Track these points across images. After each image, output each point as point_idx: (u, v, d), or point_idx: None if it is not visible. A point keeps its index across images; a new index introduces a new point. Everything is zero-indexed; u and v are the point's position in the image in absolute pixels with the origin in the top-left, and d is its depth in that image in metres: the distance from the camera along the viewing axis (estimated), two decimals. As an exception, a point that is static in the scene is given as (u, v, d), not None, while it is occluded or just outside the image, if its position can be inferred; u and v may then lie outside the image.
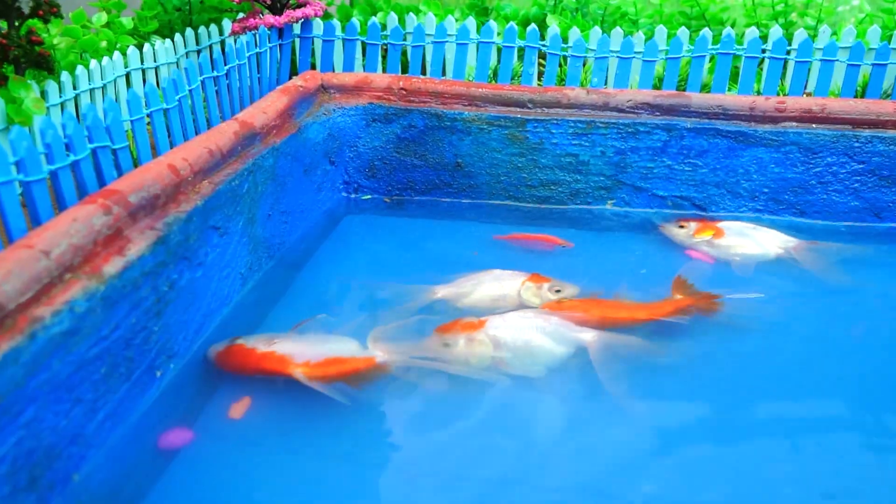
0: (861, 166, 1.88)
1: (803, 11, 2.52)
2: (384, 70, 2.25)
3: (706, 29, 2.17)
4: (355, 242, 1.93)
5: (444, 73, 2.26)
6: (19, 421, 0.94)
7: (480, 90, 2.00)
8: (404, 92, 2.02)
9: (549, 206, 2.03)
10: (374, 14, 2.64)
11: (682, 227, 1.89)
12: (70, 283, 1.06)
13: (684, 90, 2.08)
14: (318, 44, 2.25)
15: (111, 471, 1.11)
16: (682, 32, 2.21)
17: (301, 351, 1.35)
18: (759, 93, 2.09)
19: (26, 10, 1.57)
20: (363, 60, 2.28)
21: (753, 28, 2.21)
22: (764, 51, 2.10)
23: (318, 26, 2.23)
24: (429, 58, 2.27)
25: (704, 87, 2.13)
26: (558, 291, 1.53)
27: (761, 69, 2.23)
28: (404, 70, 2.30)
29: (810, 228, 1.93)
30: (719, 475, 1.15)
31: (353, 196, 2.11)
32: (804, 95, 2.07)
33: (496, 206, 2.05)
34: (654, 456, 1.18)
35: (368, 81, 2.05)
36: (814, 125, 1.87)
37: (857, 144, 1.86)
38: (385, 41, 2.23)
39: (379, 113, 2.03)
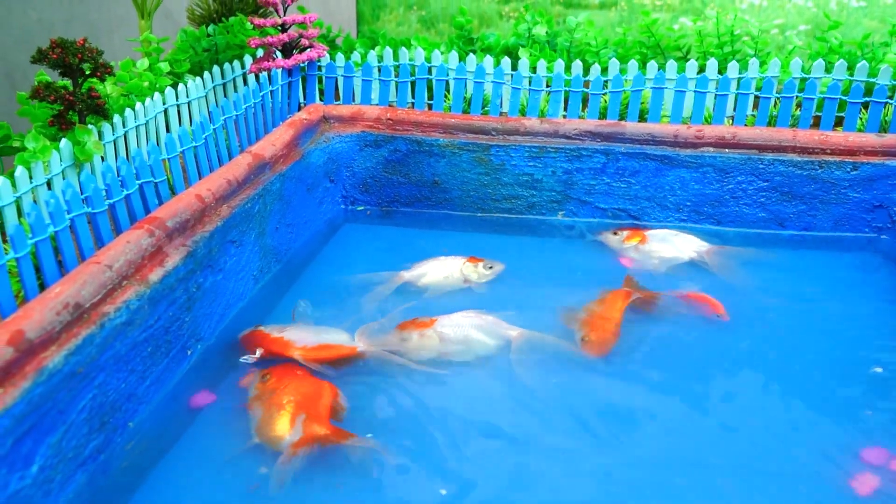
0: (766, 184, 2.26)
1: (746, 42, 2.89)
2: (378, 99, 2.67)
3: (652, 62, 2.54)
4: (351, 246, 2.36)
5: (430, 98, 2.66)
6: (94, 383, 1.39)
7: (453, 120, 2.41)
8: (391, 121, 2.45)
9: (510, 216, 2.45)
10: (374, 47, 3.06)
11: (615, 234, 2.29)
12: (126, 288, 1.50)
13: (625, 117, 2.47)
14: (322, 79, 2.67)
15: (156, 420, 1.56)
16: (631, 66, 2.60)
17: (302, 338, 1.78)
18: (688, 119, 2.47)
19: (87, 71, 2.01)
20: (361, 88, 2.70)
21: (693, 62, 2.58)
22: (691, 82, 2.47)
23: (320, 66, 2.65)
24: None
25: (645, 113, 2.51)
26: (490, 268, 2.04)
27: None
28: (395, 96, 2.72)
29: (726, 235, 2.32)
30: (603, 443, 1.55)
31: (350, 208, 2.54)
32: (726, 121, 2.44)
33: (467, 217, 2.47)
34: (548, 425, 1.58)
35: (361, 113, 2.48)
36: (727, 150, 2.26)
37: (761, 166, 2.24)
38: (377, 77, 2.64)
39: (370, 139, 2.45)
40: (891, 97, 2.35)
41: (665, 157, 2.28)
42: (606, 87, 2.48)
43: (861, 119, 2.40)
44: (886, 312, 1.97)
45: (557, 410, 1.61)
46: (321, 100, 2.71)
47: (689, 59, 2.97)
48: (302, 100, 2.74)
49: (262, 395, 1.58)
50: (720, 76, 2.44)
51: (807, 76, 2.53)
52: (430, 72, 2.65)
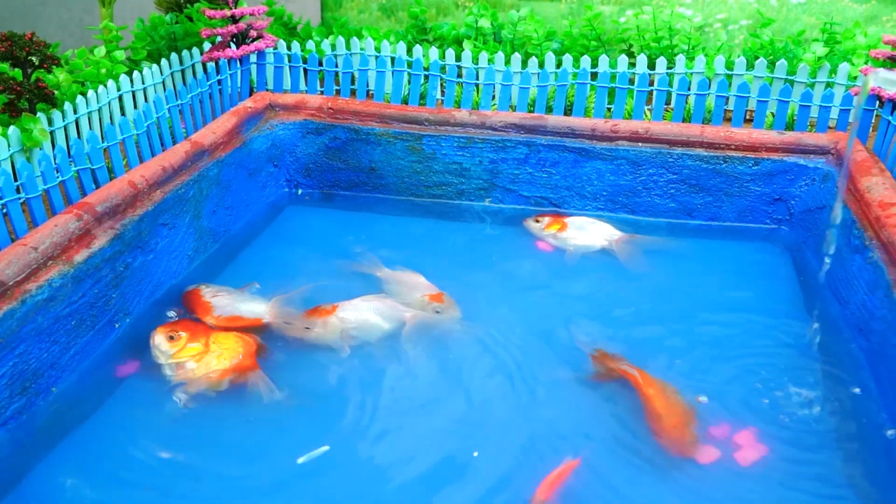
0: (675, 176, 2.40)
1: (681, 37, 3.01)
2: (322, 87, 2.82)
3: (585, 57, 2.67)
4: (292, 227, 2.53)
5: (368, 86, 2.81)
6: (15, 352, 1.56)
7: (389, 110, 2.56)
8: (331, 110, 2.60)
9: (441, 202, 2.60)
10: (328, 36, 3.20)
11: (537, 221, 2.44)
12: (50, 267, 1.68)
13: (552, 110, 2.61)
14: (270, 69, 2.83)
15: (80, 386, 1.74)
16: (566, 59, 2.73)
17: (222, 305, 1.98)
18: (609, 112, 2.61)
19: (36, 62, 2.18)
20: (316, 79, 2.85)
21: (623, 57, 2.70)
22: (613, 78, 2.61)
23: (269, 55, 2.80)
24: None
25: (571, 106, 2.65)
26: (437, 312, 1.98)
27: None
28: (336, 84, 2.86)
29: (639, 223, 2.47)
30: (485, 403, 1.73)
31: (294, 191, 2.70)
32: (646, 115, 2.58)
33: (401, 201, 2.63)
34: (437, 392, 1.76)
35: (305, 102, 2.63)
36: (640, 144, 2.40)
37: (671, 160, 2.38)
38: (321, 67, 2.79)
39: (312, 127, 2.61)
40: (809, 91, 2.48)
41: (583, 149, 2.43)
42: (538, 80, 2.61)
43: (773, 114, 2.53)
44: (776, 299, 2.12)
45: (438, 379, 1.78)
46: (271, 88, 2.86)
47: (632, 53, 3.10)
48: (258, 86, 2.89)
49: (185, 350, 1.79)
50: (639, 73, 2.57)
51: (730, 73, 2.66)
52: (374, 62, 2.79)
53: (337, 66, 2.81)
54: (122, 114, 2.50)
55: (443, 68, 2.72)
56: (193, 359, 1.78)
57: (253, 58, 2.80)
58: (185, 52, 2.79)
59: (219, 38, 2.78)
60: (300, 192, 2.67)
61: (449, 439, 1.62)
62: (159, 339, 1.82)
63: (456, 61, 2.82)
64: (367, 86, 2.81)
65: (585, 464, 1.55)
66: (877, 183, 2.00)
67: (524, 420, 1.68)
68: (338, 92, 2.81)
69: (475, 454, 1.57)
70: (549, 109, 2.63)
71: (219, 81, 2.67)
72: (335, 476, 1.53)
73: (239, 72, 2.75)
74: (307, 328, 1.89)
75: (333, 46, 2.99)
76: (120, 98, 2.52)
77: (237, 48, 2.70)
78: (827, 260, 1.96)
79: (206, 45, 2.83)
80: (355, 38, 2.97)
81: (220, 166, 2.33)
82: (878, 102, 2.37)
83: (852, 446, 1.61)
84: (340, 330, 1.89)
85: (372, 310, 1.93)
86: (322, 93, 2.83)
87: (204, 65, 2.79)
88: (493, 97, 2.70)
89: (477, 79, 2.70)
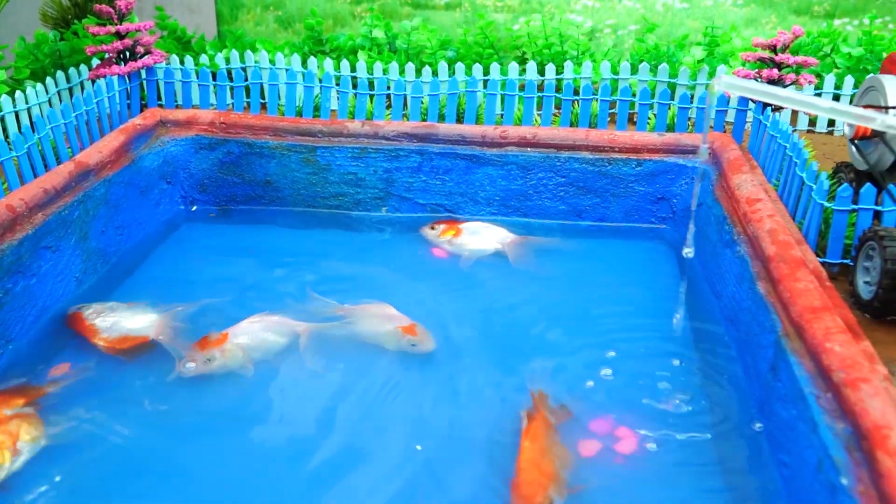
0: (563, 179, 2.47)
1: (570, 44, 3.10)
2: (216, 99, 2.80)
3: (476, 65, 2.73)
4: (188, 245, 2.50)
5: (262, 97, 2.81)
6: None
7: (282, 123, 2.56)
8: (224, 125, 2.58)
9: (338, 212, 2.62)
10: (223, 49, 3.18)
11: (433, 228, 2.48)
12: (-81, 297, 1.63)
13: (444, 118, 2.65)
14: (161, 84, 2.79)
15: (-44, 418, 1.69)
16: (459, 68, 2.78)
17: (108, 326, 1.95)
18: (500, 118, 2.67)
19: None
20: (212, 93, 2.82)
21: (514, 64, 2.77)
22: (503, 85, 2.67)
23: (160, 70, 2.77)
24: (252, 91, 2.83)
25: (463, 114, 2.70)
26: (413, 346, 1.89)
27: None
28: (232, 98, 2.85)
29: (532, 226, 2.53)
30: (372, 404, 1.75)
31: (189, 208, 2.68)
32: (535, 120, 2.65)
33: (298, 213, 2.63)
34: (336, 399, 1.77)
35: (196, 117, 2.61)
36: (528, 149, 2.46)
37: (558, 163, 2.45)
38: (214, 82, 2.78)
39: (204, 142, 2.59)
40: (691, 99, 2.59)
41: (474, 156, 2.48)
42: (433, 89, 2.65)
43: (655, 115, 2.64)
44: (659, 295, 2.20)
45: (342, 387, 1.80)
46: (160, 104, 2.83)
47: (525, 60, 3.17)
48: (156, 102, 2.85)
49: None
50: (527, 80, 2.64)
51: (616, 77, 2.76)
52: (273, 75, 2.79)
53: (230, 80, 2.79)
54: (6, 135, 2.44)
55: (336, 79, 2.74)
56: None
57: (143, 73, 2.76)
58: (71, 70, 2.74)
59: (107, 55, 2.73)
60: (195, 208, 2.65)
61: (350, 443, 1.64)
62: None
63: (351, 72, 2.84)
64: (263, 98, 2.81)
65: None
66: (746, 180, 2.11)
67: (419, 427, 1.71)
68: (232, 105, 2.80)
69: (418, 447, 1.60)
70: (441, 117, 2.68)
71: (108, 99, 2.62)
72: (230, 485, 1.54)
73: (128, 88, 2.71)
74: (208, 360, 1.86)
75: (227, 60, 2.98)
76: (2, 119, 2.46)
77: (125, 64, 2.66)
78: (687, 251, 2.03)
79: (96, 62, 2.78)
80: (249, 51, 2.97)
81: (108, 185, 2.29)
82: (749, 102, 2.50)
83: (723, 436, 1.68)
84: (242, 356, 1.88)
85: (264, 328, 1.92)
86: (215, 107, 2.82)
87: (92, 82, 2.74)
88: (388, 107, 2.73)
89: (370, 89, 2.73)
